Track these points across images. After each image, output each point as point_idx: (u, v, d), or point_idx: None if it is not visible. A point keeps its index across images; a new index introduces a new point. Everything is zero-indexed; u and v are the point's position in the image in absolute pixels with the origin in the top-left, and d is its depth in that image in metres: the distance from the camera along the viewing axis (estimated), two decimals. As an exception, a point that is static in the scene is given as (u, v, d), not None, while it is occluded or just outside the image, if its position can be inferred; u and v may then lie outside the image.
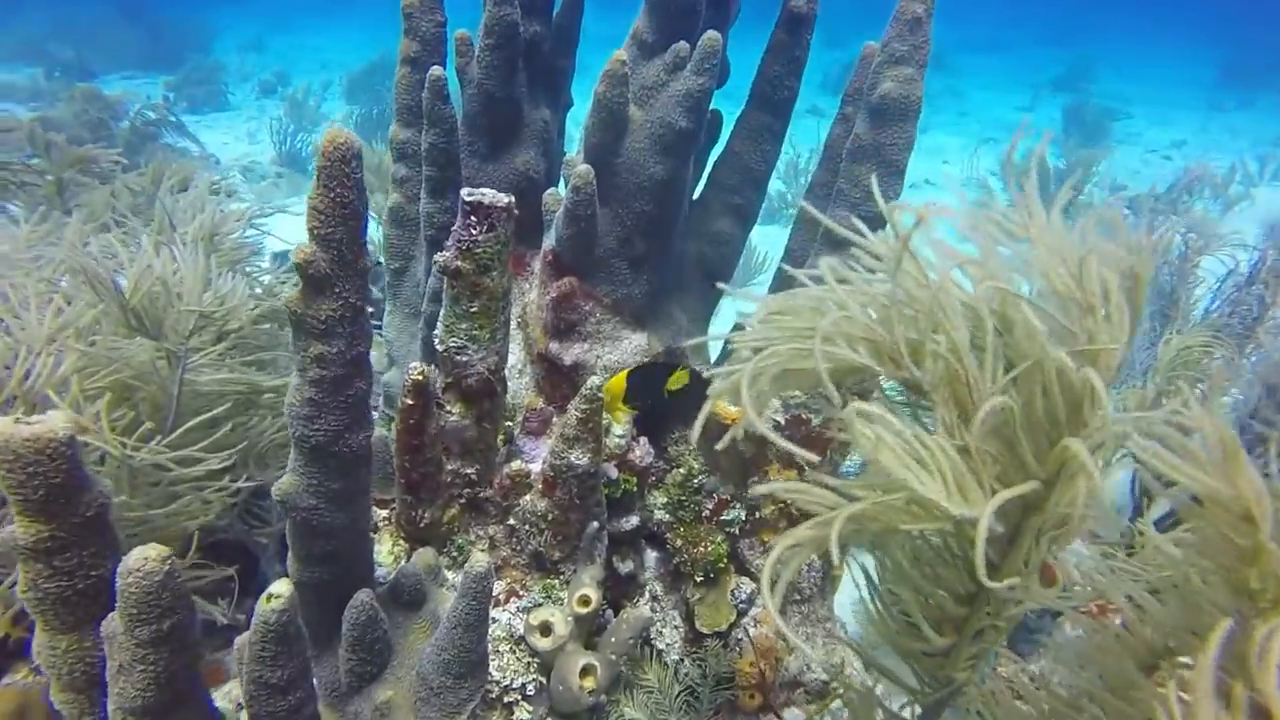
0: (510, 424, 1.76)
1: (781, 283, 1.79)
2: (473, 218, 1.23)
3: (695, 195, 1.83)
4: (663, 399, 1.72)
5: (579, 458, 1.42)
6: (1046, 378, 0.66)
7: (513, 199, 1.25)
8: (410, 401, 1.31)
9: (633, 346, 1.65)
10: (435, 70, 1.56)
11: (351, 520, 1.21)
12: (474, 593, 1.15)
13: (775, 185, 6.83)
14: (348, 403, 1.07)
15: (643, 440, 1.73)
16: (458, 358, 1.36)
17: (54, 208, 2.69)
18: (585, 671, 1.45)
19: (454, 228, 1.26)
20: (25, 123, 3.05)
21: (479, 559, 1.13)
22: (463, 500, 1.53)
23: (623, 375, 1.58)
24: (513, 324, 1.86)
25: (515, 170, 1.74)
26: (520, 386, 1.79)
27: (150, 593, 0.81)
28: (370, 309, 3.01)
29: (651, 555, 1.92)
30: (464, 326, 1.33)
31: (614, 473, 1.56)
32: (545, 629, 1.48)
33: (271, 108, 9.50)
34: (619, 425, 1.67)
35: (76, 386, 1.44)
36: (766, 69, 1.67)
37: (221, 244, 2.09)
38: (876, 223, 1.57)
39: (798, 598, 2.02)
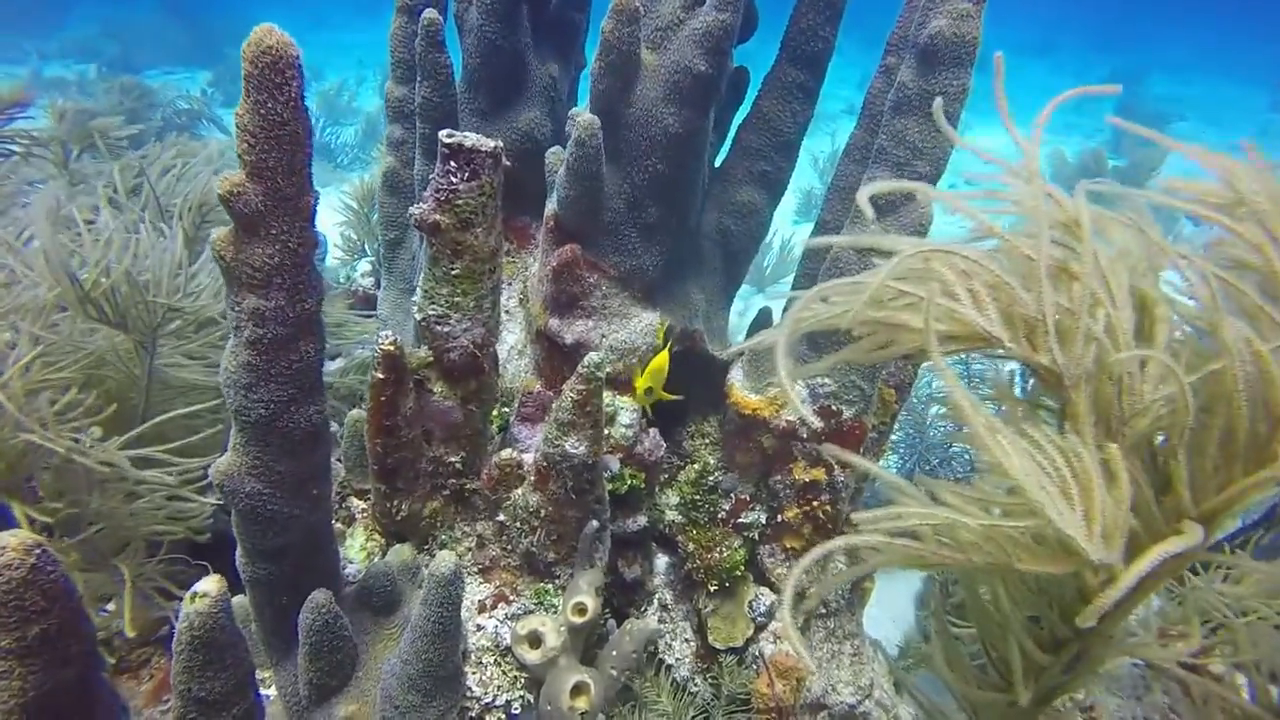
0: (508, 410, 1.60)
1: (806, 274, 1.60)
2: (452, 163, 1.06)
3: (717, 162, 1.65)
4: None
5: (575, 446, 1.25)
6: (1229, 384, 0.47)
7: (500, 144, 1.09)
8: (381, 375, 1.14)
9: (642, 326, 1.47)
10: (429, 13, 1.40)
11: (307, 509, 1.05)
12: (439, 599, 0.99)
13: (812, 180, 6.59)
14: (293, 370, 0.91)
15: (653, 431, 1.55)
16: (438, 328, 1.20)
17: (57, 178, 2.60)
18: (578, 690, 1.27)
19: (432, 175, 1.09)
20: (30, 93, 2.97)
21: (444, 559, 0.97)
22: (446, 492, 1.36)
23: (664, 355, 1.42)
24: (514, 300, 1.70)
25: (518, 130, 1.58)
26: (520, 369, 1.62)
27: (9, 593, 0.65)
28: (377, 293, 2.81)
29: (662, 560, 1.74)
30: (444, 292, 1.17)
31: (615, 465, 1.38)
32: (535, 640, 1.31)
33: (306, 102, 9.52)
34: (626, 413, 1.50)
35: (18, 379, 1.29)
36: (799, 18, 1.48)
37: (209, 216, 1.96)
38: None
39: (823, 611, 1.83)
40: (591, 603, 1.34)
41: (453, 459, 1.34)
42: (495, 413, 1.61)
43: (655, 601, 1.72)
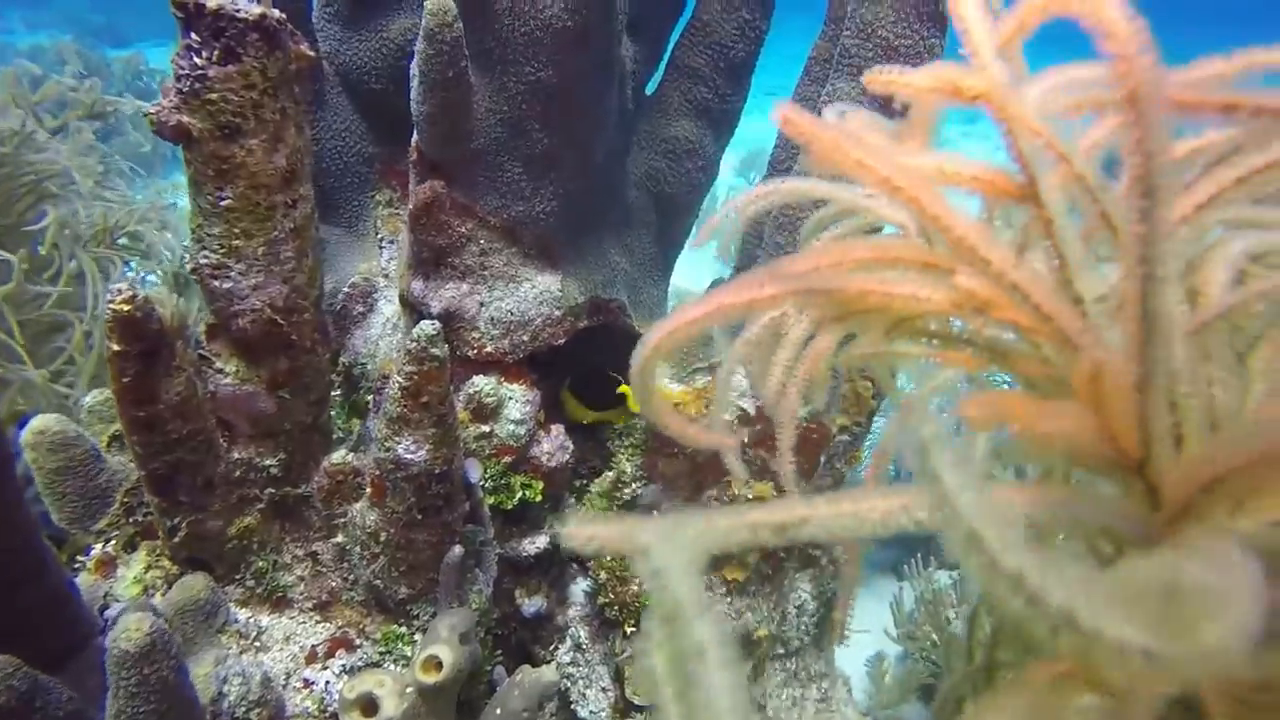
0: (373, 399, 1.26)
1: (755, 235, 1.25)
2: (193, 36, 0.72)
3: (649, 90, 1.31)
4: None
5: (411, 451, 0.91)
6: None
7: (277, 14, 0.75)
8: (117, 349, 0.81)
9: (536, 292, 1.13)
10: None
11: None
12: (131, 687, 0.65)
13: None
14: None
15: (555, 430, 1.21)
16: (215, 283, 0.86)
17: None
18: (417, 779, 0.94)
19: (172, 57, 0.75)
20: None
21: (130, 625, 0.63)
22: (262, 505, 1.03)
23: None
24: (394, 263, 1.37)
25: (390, 42, 1.24)
26: (394, 347, 1.29)
27: None
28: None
29: (579, 588, 1.41)
30: (216, 232, 0.83)
31: (475, 473, 1.05)
32: (368, 706, 0.98)
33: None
34: (517, 404, 1.16)
35: None
36: (748, -106, 1.14)
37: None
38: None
39: (781, 650, 1.49)
40: (450, 655, 1.00)
41: (268, 462, 1.01)
42: (357, 403, 1.28)
43: (569, 639, 1.39)
